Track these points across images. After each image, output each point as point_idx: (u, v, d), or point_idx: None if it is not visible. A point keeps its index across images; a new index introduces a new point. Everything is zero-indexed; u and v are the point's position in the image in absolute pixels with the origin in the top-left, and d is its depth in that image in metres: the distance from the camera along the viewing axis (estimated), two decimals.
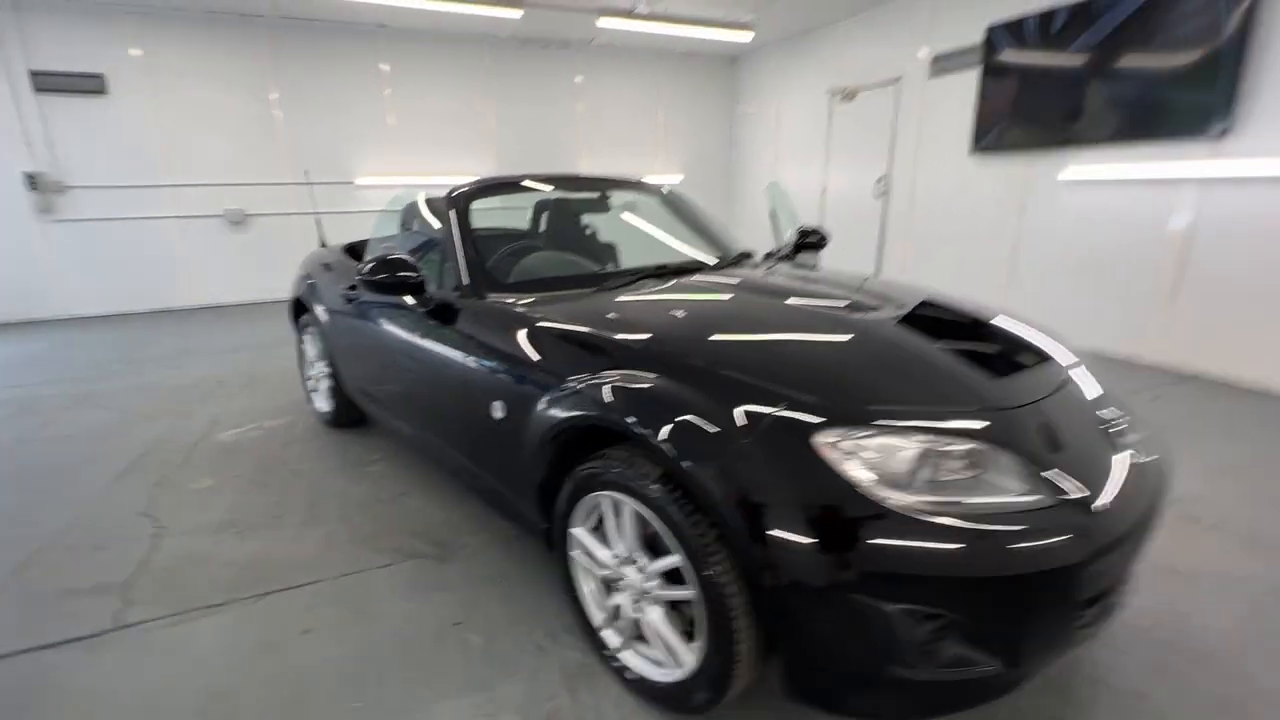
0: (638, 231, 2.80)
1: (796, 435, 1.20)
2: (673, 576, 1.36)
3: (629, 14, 6.33)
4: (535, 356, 1.67)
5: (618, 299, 1.90)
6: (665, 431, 1.28)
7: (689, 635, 1.38)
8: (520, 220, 3.02)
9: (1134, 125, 4.12)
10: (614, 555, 1.49)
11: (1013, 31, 4.81)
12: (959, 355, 1.56)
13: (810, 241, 2.88)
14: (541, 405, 1.57)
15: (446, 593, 1.89)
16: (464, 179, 2.41)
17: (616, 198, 2.90)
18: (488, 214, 2.36)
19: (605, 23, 6.41)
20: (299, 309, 3.30)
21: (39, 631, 1.74)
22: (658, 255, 2.51)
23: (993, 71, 5.00)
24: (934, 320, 1.84)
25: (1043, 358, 1.65)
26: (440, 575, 1.98)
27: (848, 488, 1.13)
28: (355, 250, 3.30)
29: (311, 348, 3.25)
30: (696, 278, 2.14)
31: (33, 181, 5.86)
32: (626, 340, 1.55)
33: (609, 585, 1.55)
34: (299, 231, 6.84)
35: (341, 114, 6.82)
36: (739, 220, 8.71)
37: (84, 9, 5.75)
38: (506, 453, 1.76)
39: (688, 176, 8.62)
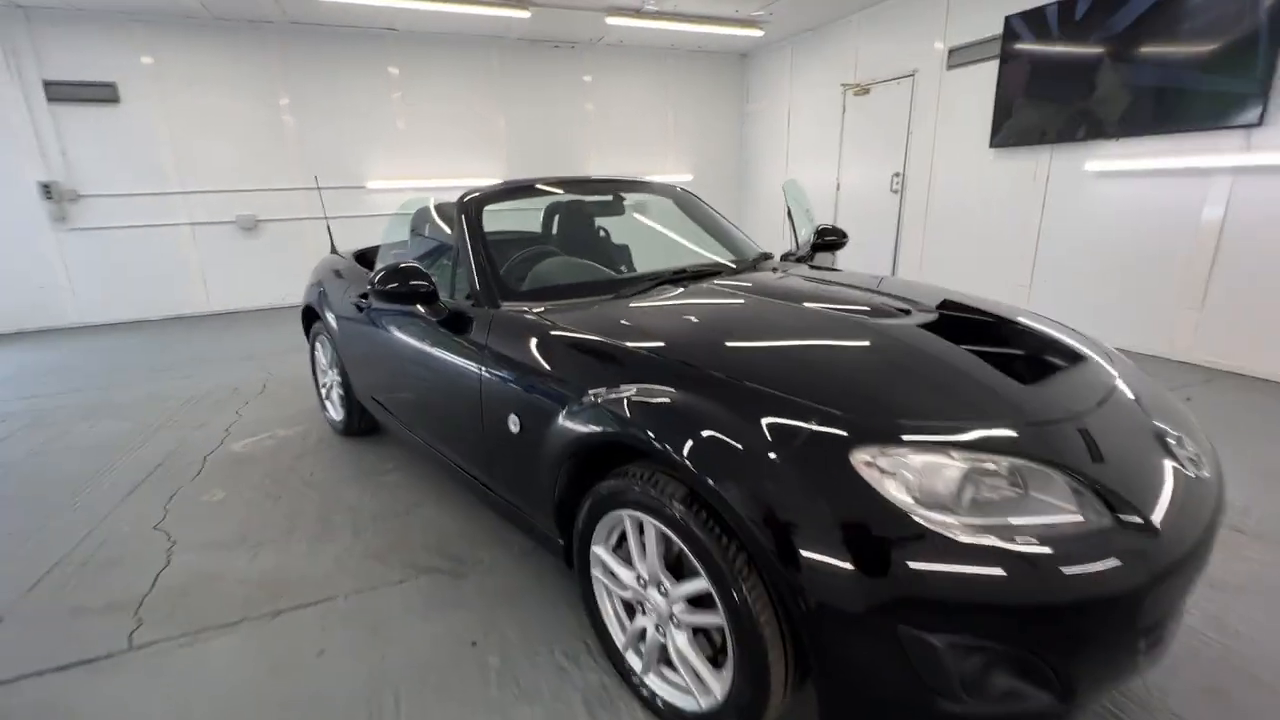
0: (653, 234, 2.74)
1: (832, 452, 1.14)
2: (700, 600, 1.30)
3: (637, 12, 6.27)
4: (552, 368, 1.61)
5: (636, 306, 1.84)
6: (689, 448, 1.22)
7: (717, 662, 1.32)
8: (531, 222, 2.97)
9: (1162, 115, 4.00)
10: (636, 576, 1.43)
11: (1033, 21, 4.69)
12: (995, 362, 1.48)
13: (829, 241, 2.79)
14: (559, 419, 1.51)
15: (462, 610, 1.84)
16: (474, 181, 2.37)
17: (630, 199, 2.84)
18: (498, 216, 2.31)
19: (614, 21, 6.35)
20: (310, 316, 3.27)
21: (50, 653, 1.71)
22: (674, 259, 2.44)
23: (1012, 63, 4.88)
24: (963, 324, 1.76)
25: (1082, 361, 1.58)
26: (456, 592, 1.93)
27: (888, 508, 1.07)
28: (366, 257, 3.26)
29: (323, 355, 3.22)
30: (716, 282, 2.07)
31: (47, 191, 5.90)
32: (646, 351, 1.49)
33: (632, 607, 1.49)
34: (311, 236, 6.85)
35: (351, 118, 6.81)
36: (751, 219, 8.62)
37: (95, 19, 5.77)
38: (523, 467, 1.71)
39: (697, 176, 8.54)
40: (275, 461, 2.93)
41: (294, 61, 6.48)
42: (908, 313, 1.75)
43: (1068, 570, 1.04)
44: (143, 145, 6.16)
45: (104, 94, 5.94)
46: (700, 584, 1.25)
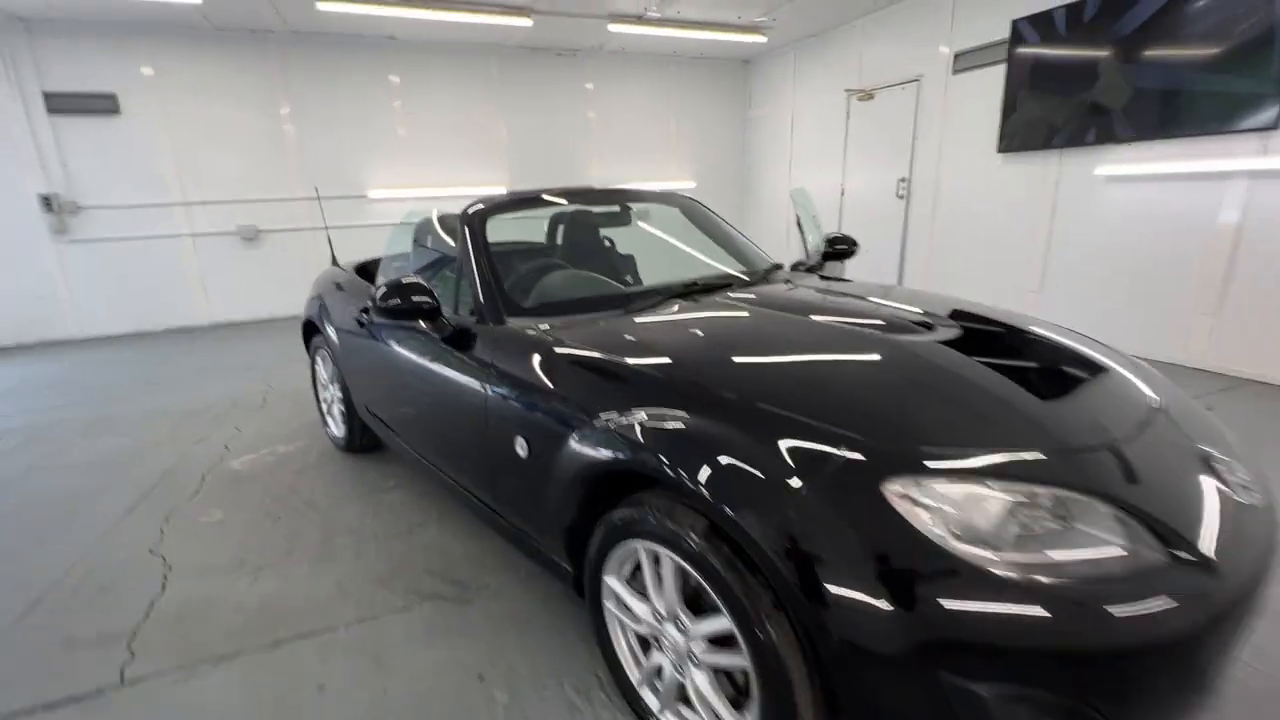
0: (660, 244, 2.67)
1: (864, 484, 1.07)
2: (721, 639, 1.23)
3: (640, 19, 6.24)
4: (560, 389, 1.54)
5: (646, 323, 1.77)
6: (709, 478, 1.15)
7: (740, 703, 1.24)
8: (535, 231, 2.90)
9: (1175, 118, 3.93)
10: (652, 611, 1.36)
11: (1040, 24, 4.63)
12: (1026, 382, 1.41)
13: (839, 250, 2.73)
14: (569, 443, 1.44)
15: (468, 640, 1.77)
16: (475, 190, 2.31)
17: (637, 209, 2.78)
18: (501, 225, 2.25)
19: (616, 28, 6.32)
20: (310, 330, 3.21)
21: (39, 689, 1.64)
22: (683, 270, 2.38)
23: (1019, 66, 4.82)
24: (987, 339, 1.69)
25: (1118, 380, 1.51)
26: (461, 620, 1.86)
27: (924, 544, 1.00)
28: (368, 269, 3.21)
29: (324, 370, 3.16)
30: (729, 296, 2.01)
31: (48, 203, 5.86)
32: (660, 372, 1.42)
33: (647, 641, 1.42)
34: (312, 246, 6.80)
35: (352, 127, 6.78)
36: (754, 226, 8.56)
37: (96, 30, 5.75)
38: (530, 492, 1.64)
39: (700, 183, 8.49)
40: (275, 479, 2.86)
41: (295, 71, 6.46)
42: (929, 327, 1.69)
43: (1118, 611, 0.96)
44: (143, 156, 6.13)
45: (104, 105, 5.91)
46: (722, 623, 1.18)
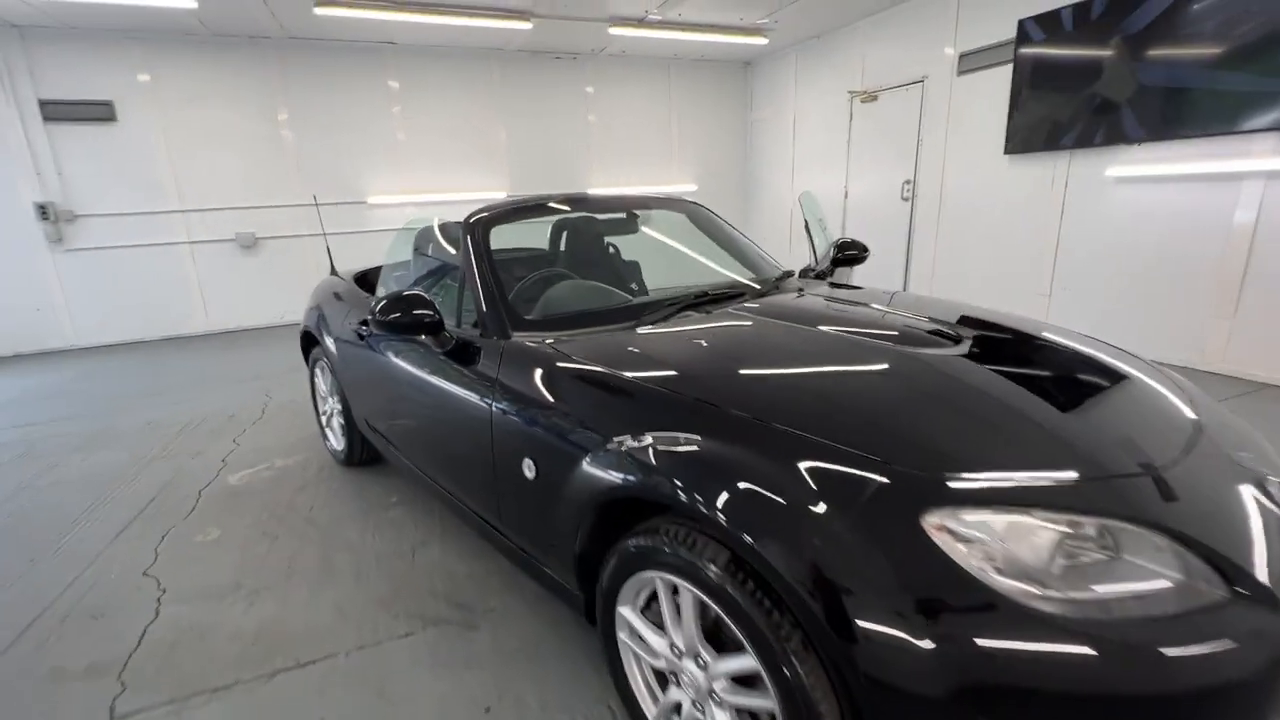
0: (666, 252, 2.60)
1: (899, 513, 1.00)
2: (745, 677, 1.16)
3: (640, 22, 6.18)
4: (570, 409, 1.47)
5: (657, 337, 1.70)
6: (729, 505, 1.09)
7: None
8: (537, 236, 2.84)
9: (1188, 117, 3.86)
10: (670, 644, 1.28)
11: (1047, 24, 4.57)
12: (1060, 400, 1.34)
13: (849, 256, 2.66)
14: (580, 467, 1.37)
15: (474, 670, 1.69)
16: (476, 195, 2.23)
17: (643, 216, 2.72)
18: (502, 231, 2.17)
19: (617, 32, 6.26)
20: (309, 341, 3.14)
21: None
22: (690, 278, 2.31)
23: (1026, 66, 4.76)
24: (1011, 352, 1.62)
25: (1158, 397, 1.44)
26: (466, 647, 1.78)
27: (964, 578, 0.92)
28: (367, 278, 3.14)
29: (323, 382, 3.09)
30: (742, 307, 1.94)
31: (44, 212, 5.80)
32: (677, 391, 1.35)
33: (665, 676, 1.34)
34: (311, 254, 6.74)
35: (351, 133, 6.72)
36: (756, 229, 8.50)
37: (91, 37, 5.69)
38: (539, 516, 1.56)
39: (702, 186, 8.43)
40: (273, 495, 2.79)
41: (293, 76, 6.40)
42: (950, 339, 1.62)
43: (1172, 652, 0.89)
44: (140, 164, 6.06)
45: (101, 112, 5.85)
46: (746, 661, 1.11)
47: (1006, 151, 5.01)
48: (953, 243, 5.75)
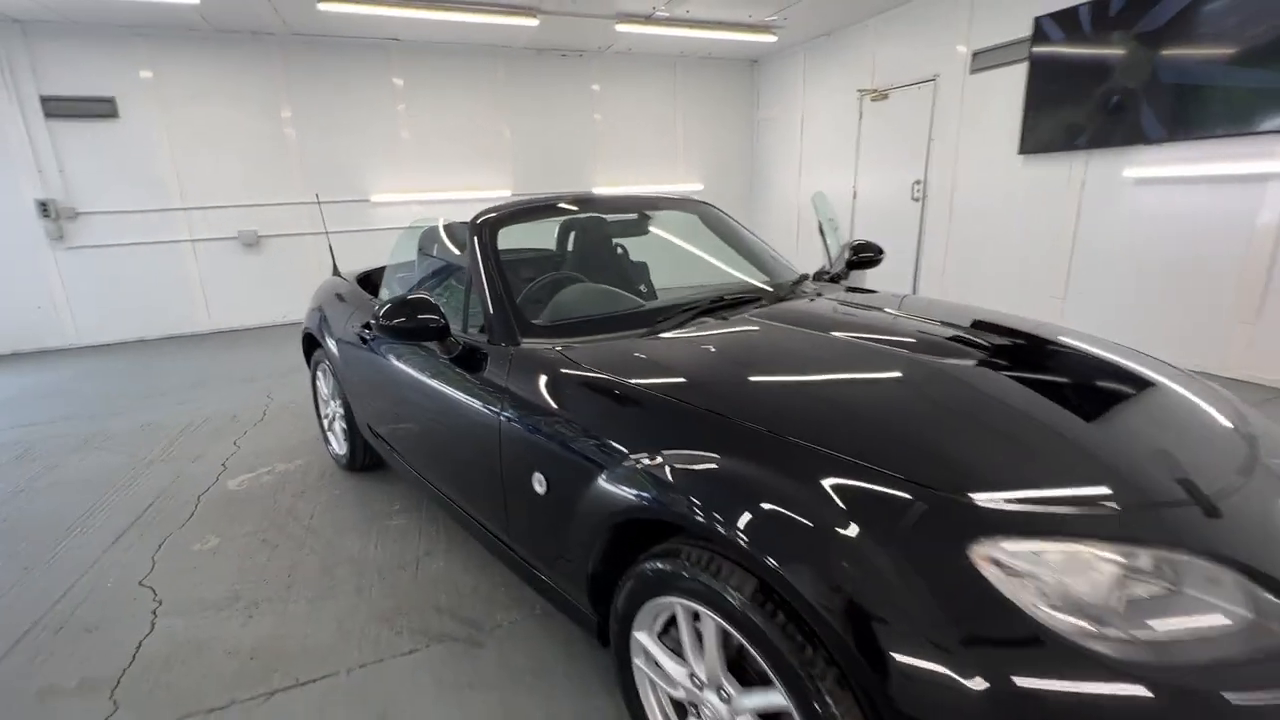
0: (682, 255, 2.53)
1: (947, 542, 0.92)
2: (772, 712, 1.08)
3: (648, 19, 6.10)
4: (584, 422, 1.39)
5: (676, 345, 1.62)
6: (759, 531, 1.01)
7: None
8: (544, 238, 2.76)
9: (1210, 117, 3.77)
10: (689, 674, 1.21)
11: (1064, 21, 4.47)
12: (1104, 418, 1.27)
13: (864, 258, 2.58)
14: (595, 484, 1.29)
15: (480, 690, 1.62)
16: (480, 194, 2.15)
17: (654, 217, 2.64)
18: (507, 232, 2.10)
19: (624, 29, 6.18)
20: (311, 343, 3.07)
21: None
22: (703, 281, 2.24)
23: (1042, 65, 4.67)
24: (1043, 363, 1.54)
25: (1208, 415, 1.36)
26: (473, 666, 1.71)
27: (1013, 613, 0.85)
28: (371, 279, 3.07)
29: (325, 385, 3.02)
30: (761, 312, 1.86)
31: (45, 209, 5.74)
32: (697, 404, 1.27)
33: (683, 706, 1.27)
34: (314, 252, 6.68)
35: (355, 131, 6.65)
36: (763, 228, 8.40)
37: (93, 33, 5.63)
38: (549, 532, 1.49)
39: (708, 186, 8.35)
40: (274, 502, 2.72)
41: (296, 73, 6.33)
42: (982, 348, 1.54)
43: (1238, 699, 0.81)
44: (142, 161, 6.00)
45: (103, 109, 5.79)
46: (774, 697, 1.03)
47: (1021, 151, 4.91)
48: (964, 244, 5.65)
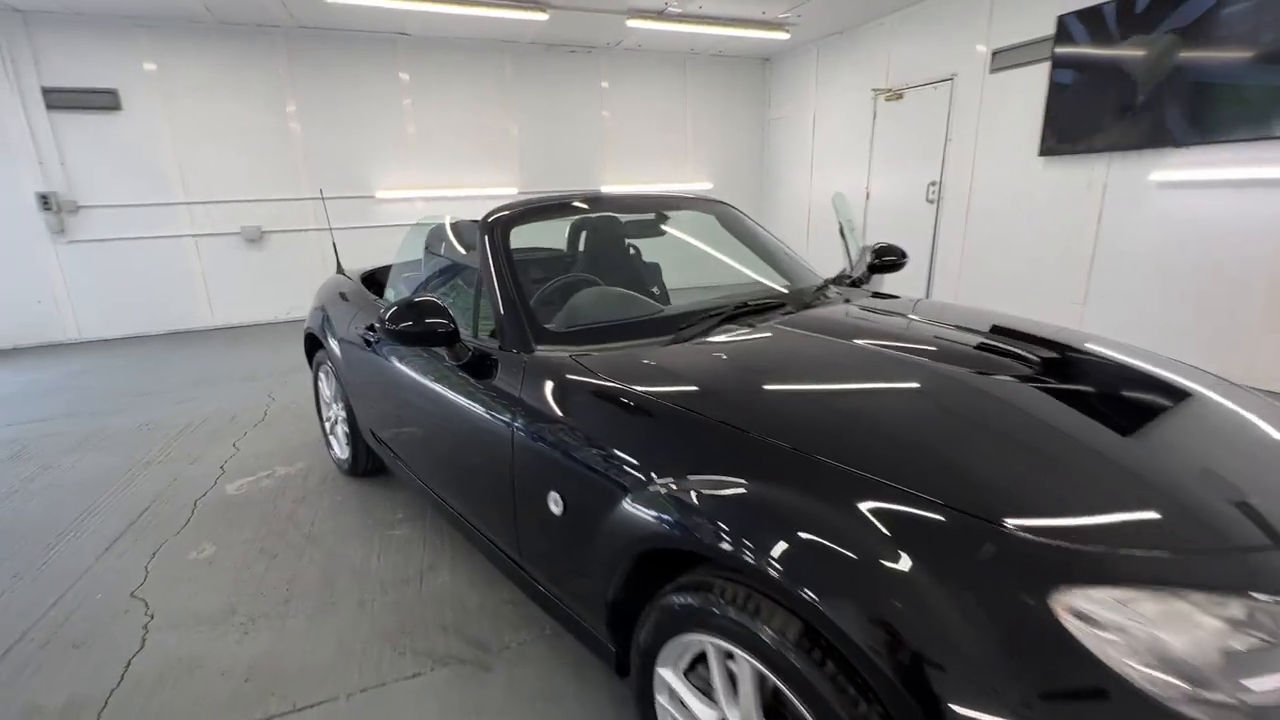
0: (700, 257, 2.43)
1: (1024, 589, 0.82)
2: None
3: (660, 14, 5.99)
4: (606, 438, 1.29)
5: (704, 355, 1.51)
6: (806, 568, 0.92)
7: None
8: (553, 237, 2.67)
9: (1241, 118, 3.65)
10: (720, 718, 1.11)
11: (1089, 20, 4.36)
12: (1177, 447, 1.16)
13: (887, 262, 2.48)
14: (618, 508, 1.19)
15: (488, 718, 1.53)
16: (487, 191, 2.05)
17: (669, 217, 2.54)
18: (517, 231, 2.00)
19: (635, 24, 6.08)
20: (313, 344, 2.98)
21: None
22: (726, 288, 2.13)
23: (1065, 64, 4.55)
24: (1102, 383, 1.43)
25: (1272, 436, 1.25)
26: (480, 691, 1.62)
27: (1108, 675, 0.75)
28: (375, 278, 2.98)
29: (327, 388, 2.92)
30: (788, 319, 1.76)
31: (46, 202, 5.67)
32: (729, 422, 1.17)
33: None
34: (318, 248, 6.60)
35: (360, 126, 6.56)
36: (773, 230, 8.29)
37: (96, 23, 5.55)
38: (565, 556, 1.39)
39: (717, 185, 8.24)
40: (273, 508, 2.63)
41: (301, 67, 6.24)
42: (1033, 364, 1.43)
43: None
44: (145, 154, 5.92)
45: (105, 101, 5.71)
46: None
47: (1041, 153, 4.80)
48: (980, 247, 5.54)
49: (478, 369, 1.68)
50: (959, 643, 0.81)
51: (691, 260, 2.53)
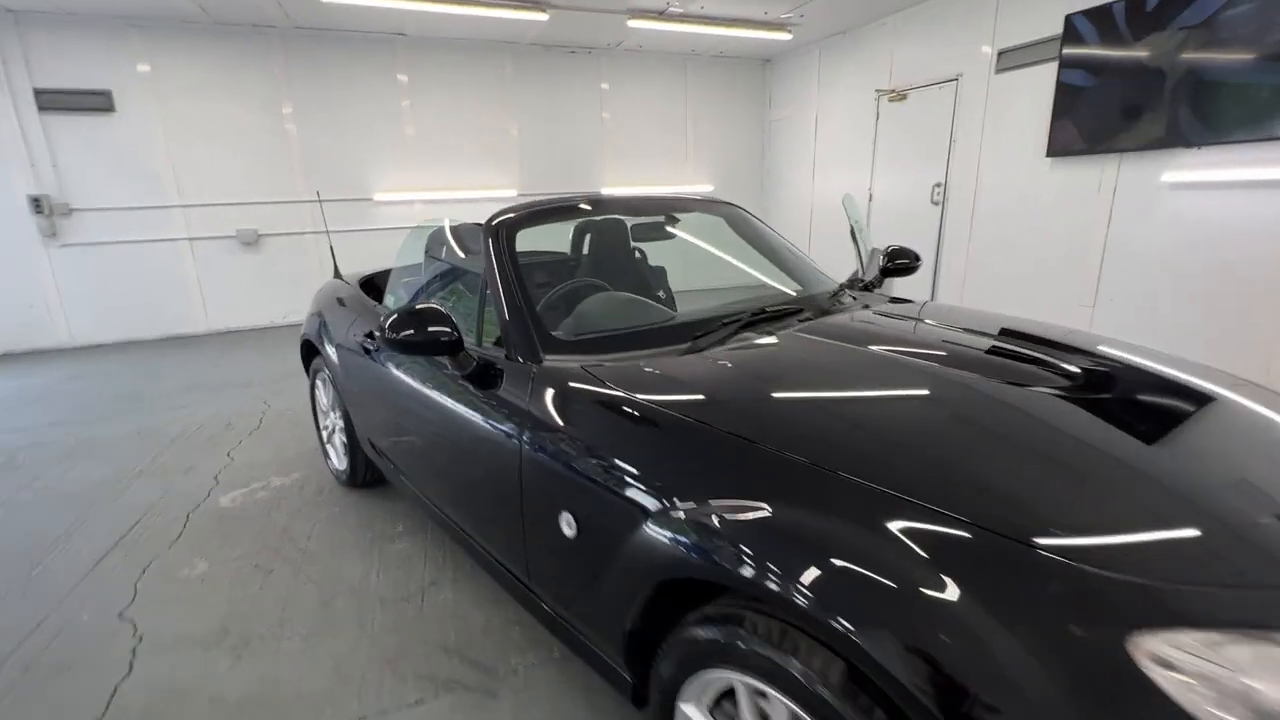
0: (709, 261, 2.35)
1: (1099, 630, 0.75)
2: None
3: (661, 15, 5.93)
4: (624, 456, 1.21)
5: (724, 364, 1.43)
6: (850, 604, 0.84)
7: None
8: (556, 240, 2.59)
9: (1257, 117, 3.58)
10: None
11: (1098, 18, 4.29)
12: (1233, 466, 1.09)
13: (900, 265, 2.41)
14: (638, 532, 1.11)
15: None
16: (486, 193, 1.97)
17: (678, 219, 2.46)
18: (521, 236, 1.92)
19: (636, 24, 6.01)
20: (310, 351, 2.89)
21: None
22: (736, 293, 2.06)
23: (1074, 65, 4.48)
24: (1148, 393, 1.36)
25: None
26: (487, 718, 1.53)
27: None
28: (374, 283, 2.90)
29: (324, 396, 2.84)
30: (807, 326, 1.68)
31: (37, 205, 5.56)
32: (758, 440, 1.09)
33: None
34: (314, 251, 6.51)
35: (358, 127, 6.47)
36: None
37: (89, 24, 5.46)
38: (579, 582, 1.31)
39: (718, 187, 8.18)
40: (268, 521, 2.54)
41: (298, 68, 6.15)
42: (1074, 376, 1.36)
43: None
44: (139, 156, 5.83)
45: (98, 102, 5.61)
46: None
47: (1049, 154, 4.73)
48: (986, 248, 5.47)
49: (482, 379, 1.60)
50: (1019, 684, 0.73)
51: (701, 264, 2.45)
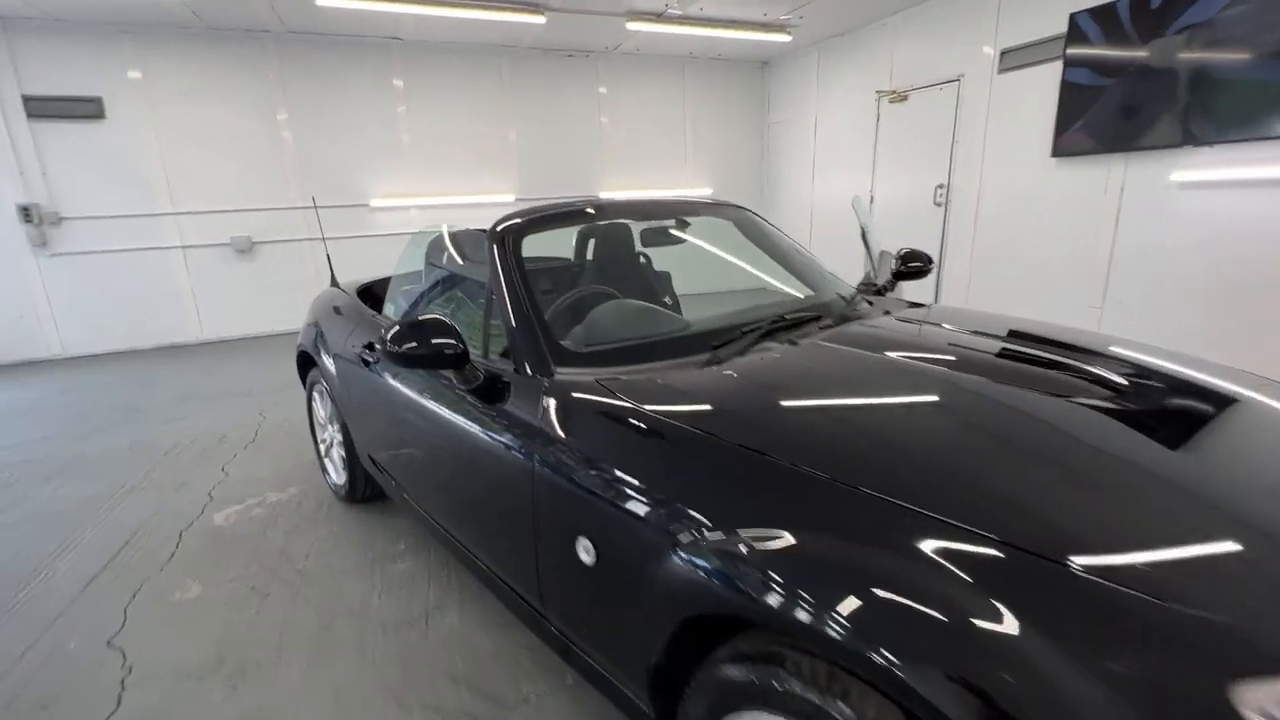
0: (720, 266, 2.27)
1: (1194, 677, 0.67)
2: None
3: (659, 17, 5.87)
4: (646, 479, 1.13)
5: (749, 376, 1.35)
6: (908, 647, 0.75)
7: None
8: (559, 245, 2.51)
9: (1268, 115, 3.54)
10: None
11: (1102, 16, 4.25)
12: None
13: (913, 269, 2.34)
14: (664, 561, 1.03)
15: None
16: (484, 199, 1.89)
17: (686, 223, 2.39)
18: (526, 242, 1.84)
19: (634, 26, 5.95)
20: (306, 362, 2.80)
21: None
22: (753, 299, 1.98)
23: (1078, 63, 4.44)
24: (1187, 402, 1.29)
25: None
26: None
27: None
28: (372, 291, 2.82)
29: (321, 409, 2.75)
30: (830, 334, 1.61)
31: (27, 214, 5.47)
32: (797, 463, 1.01)
33: None
34: (310, 259, 6.42)
35: (353, 133, 6.40)
36: None
37: (79, 30, 5.38)
38: (598, 612, 1.23)
39: (717, 189, 8.13)
40: (264, 539, 2.45)
41: (292, 73, 6.08)
42: (1121, 390, 1.28)
43: None
44: (130, 164, 5.74)
45: (88, 109, 5.53)
46: None
47: (1054, 154, 4.68)
48: (990, 250, 5.42)
49: (489, 393, 1.52)
50: None
51: (711, 269, 2.38)
